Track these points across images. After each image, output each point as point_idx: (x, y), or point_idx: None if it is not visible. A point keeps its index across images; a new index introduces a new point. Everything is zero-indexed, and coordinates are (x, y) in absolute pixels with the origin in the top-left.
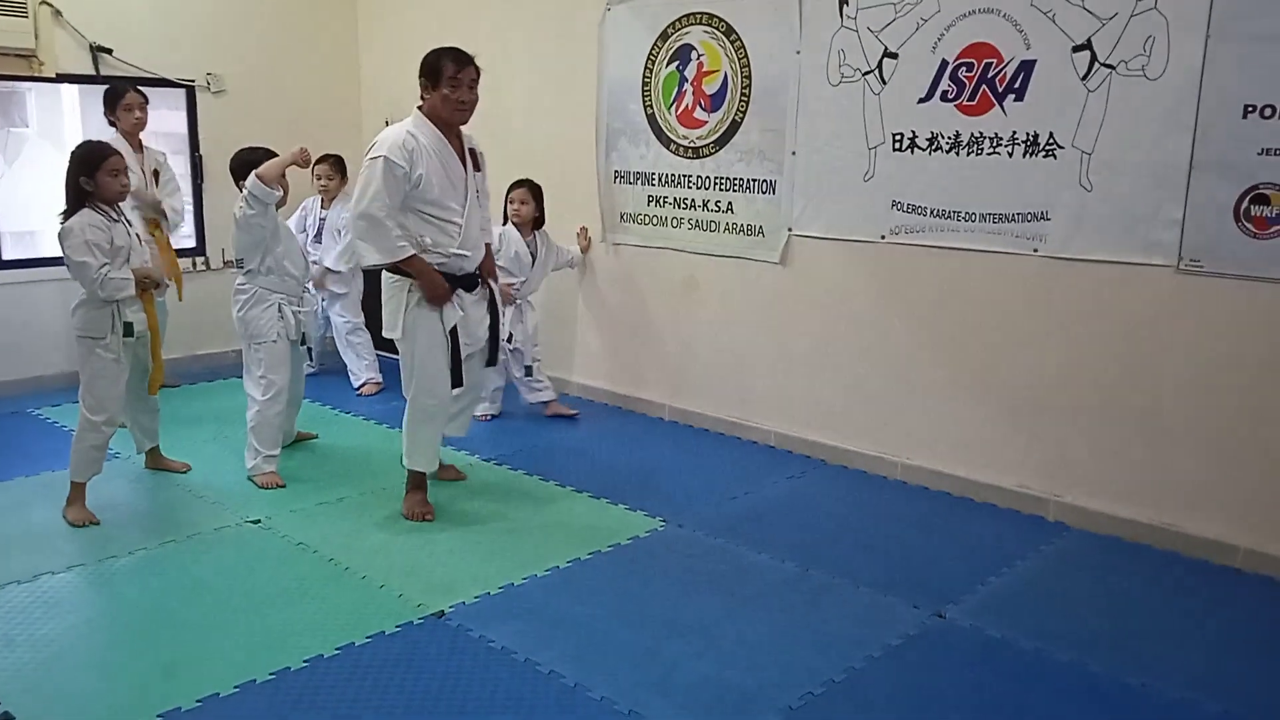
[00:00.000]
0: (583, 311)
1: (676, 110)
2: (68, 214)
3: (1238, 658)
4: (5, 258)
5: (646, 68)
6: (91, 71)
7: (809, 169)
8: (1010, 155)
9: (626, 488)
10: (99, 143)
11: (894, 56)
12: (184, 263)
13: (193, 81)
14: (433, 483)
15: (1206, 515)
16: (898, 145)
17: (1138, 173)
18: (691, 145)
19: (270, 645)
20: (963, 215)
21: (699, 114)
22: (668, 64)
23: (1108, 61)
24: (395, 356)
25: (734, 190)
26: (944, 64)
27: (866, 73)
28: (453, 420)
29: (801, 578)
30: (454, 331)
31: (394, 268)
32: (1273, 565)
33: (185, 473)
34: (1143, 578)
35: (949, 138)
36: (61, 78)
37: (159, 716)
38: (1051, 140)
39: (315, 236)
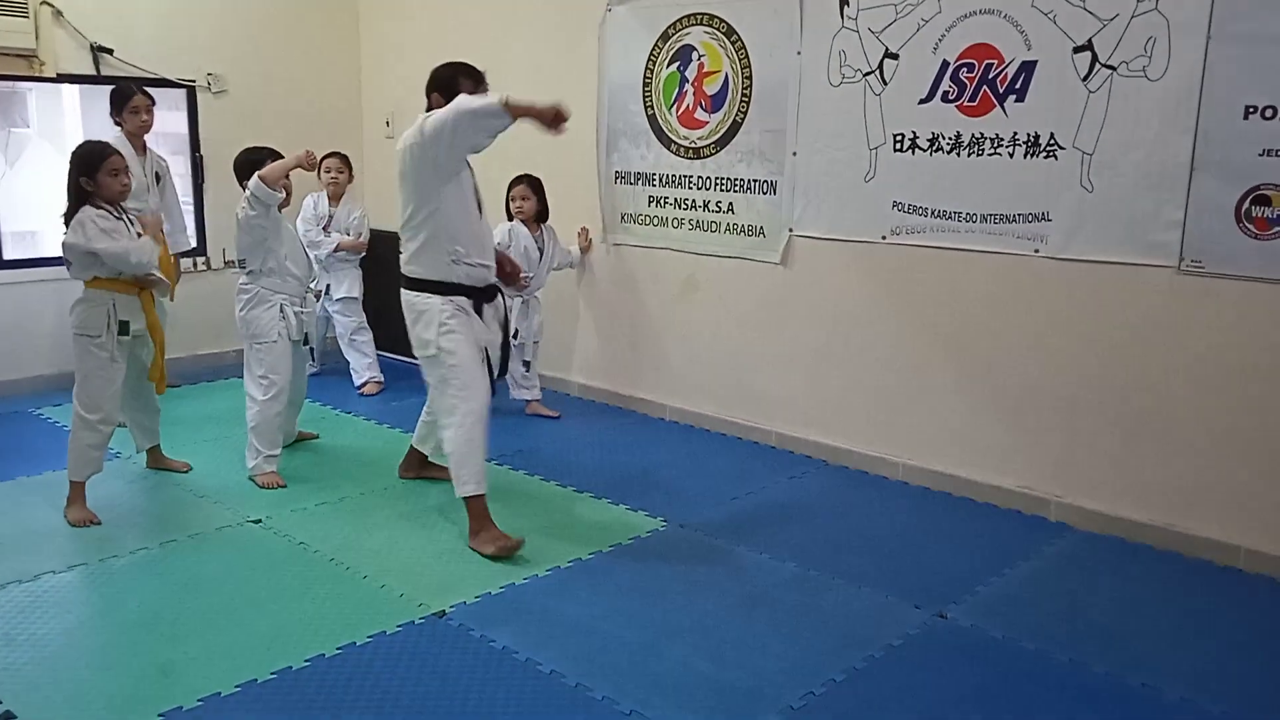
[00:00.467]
0: (583, 312)
1: (677, 111)
2: (69, 214)
3: (1239, 658)
4: (5, 258)
5: (647, 68)
6: (92, 72)
7: (810, 169)
8: (1011, 156)
9: (627, 488)
10: (99, 142)
11: (895, 57)
12: (185, 263)
13: (193, 82)
14: (434, 482)
15: (1208, 516)
16: (899, 146)
17: (1139, 174)
18: (692, 146)
19: (271, 644)
20: (963, 216)
21: (700, 114)
22: (669, 64)
23: (1109, 62)
24: (396, 356)
25: (735, 191)
26: (945, 65)
27: (867, 73)
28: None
29: (802, 578)
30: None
31: (418, 284)
32: (1274, 565)
33: (186, 472)
34: (1144, 578)
35: (950, 138)
36: (62, 78)
37: (160, 715)
38: (1052, 141)
39: (322, 228)
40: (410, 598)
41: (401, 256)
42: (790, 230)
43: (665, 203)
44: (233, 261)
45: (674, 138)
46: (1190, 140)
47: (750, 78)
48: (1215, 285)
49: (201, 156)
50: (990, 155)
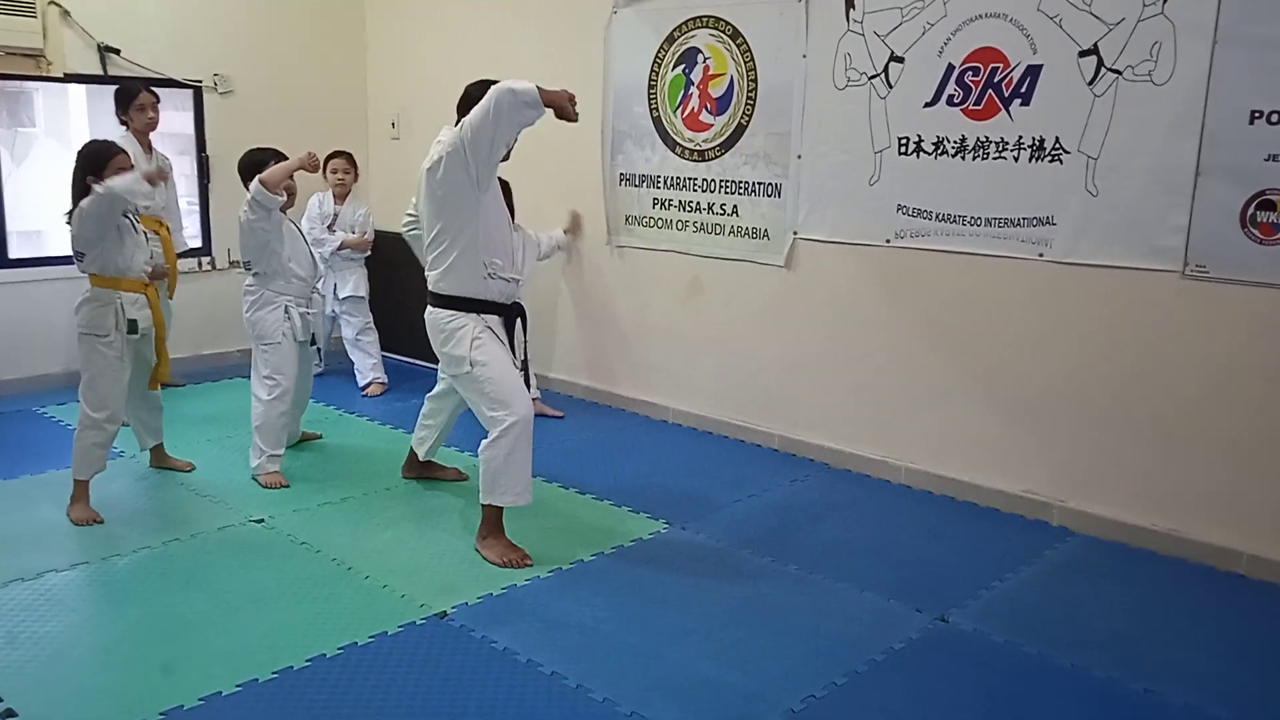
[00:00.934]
0: (587, 314)
1: (682, 113)
2: (72, 213)
3: (1242, 663)
4: (12, 256)
5: (652, 71)
6: (99, 72)
7: (814, 172)
8: (1016, 160)
9: (630, 490)
10: (106, 142)
11: (900, 60)
12: (189, 262)
13: (200, 82)
14: (435, 483)
15: (1211, 521)
16: (903, 149)
17: (1144, 178)
18: (697, 148)
19: (273, 644)
20: (968, 220)
21: (705, 117)
22: (674, 67)
23: (1114, 67)
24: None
25: (739, 193)
26: (950, 68)
27: (873, 77)
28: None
29: (804, 581)
30: None
31: (445, 300)
32: (1277, 571)
33: (189, 472)
34: (1147, 583)
35: (955, 142)
36: (69, 78)
37: (161, 715)
38: (1058, 145)
39: (328, 227)
40: (412, 598)
41: (429, 274)
42: (795, 233)
43: (670, 205)
44: (237, 262)
45: (679, 140)
46: (1196, 145)
47: (755, 80)
48: (1220, 290)
49: (207, 157)
50: (995, 159)
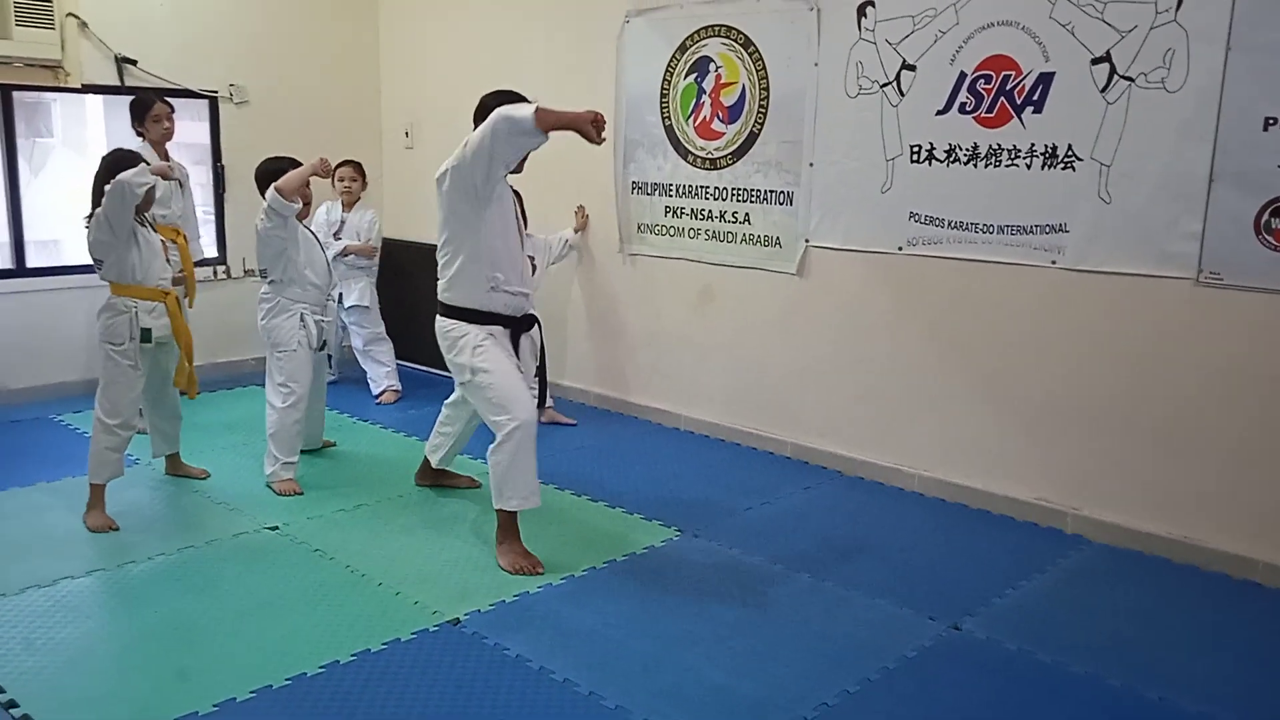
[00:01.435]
0: (599, 321)
1: (694, 122)
2: (92, 216)
3: (1257, 671)
4: (29, 265)
5: (665, 79)
6: (116, 82)
7: (826, 180)
8: (1029, 167)
9: (642, 497)
10: (129, 151)
11: (912, 69)
12: (205, 271)
13: (216, 92)
14: (448, 491)
15: (1226, 529)
16: (915, 157)
17: (1156, 185)
18: (709, 156)
19: (287, 651)
20: (980, 227)
21: (717, 125)
22: (686, 75)
23: (1127, 74)
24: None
25: (751, 201)
26: (962, 76)
27: (884, 85)
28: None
29: (816, 588)
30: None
31: (451, 311)
32: None
33: (204, 479)
34: (1161, 591)
35: (967, 149)
36: (87, 88)
37: None
38: (1070, 152)
39: (334, 235)
40: (425, 605)
41: (439, 283)
42: (806, 241)
43: (682, 213)
44: (253, 270)
45: (691, 148)
46: (1209, 151)
47: (767, 89)
48: (1234, 297)
49: (223, 166)
50: (1008, 166)
